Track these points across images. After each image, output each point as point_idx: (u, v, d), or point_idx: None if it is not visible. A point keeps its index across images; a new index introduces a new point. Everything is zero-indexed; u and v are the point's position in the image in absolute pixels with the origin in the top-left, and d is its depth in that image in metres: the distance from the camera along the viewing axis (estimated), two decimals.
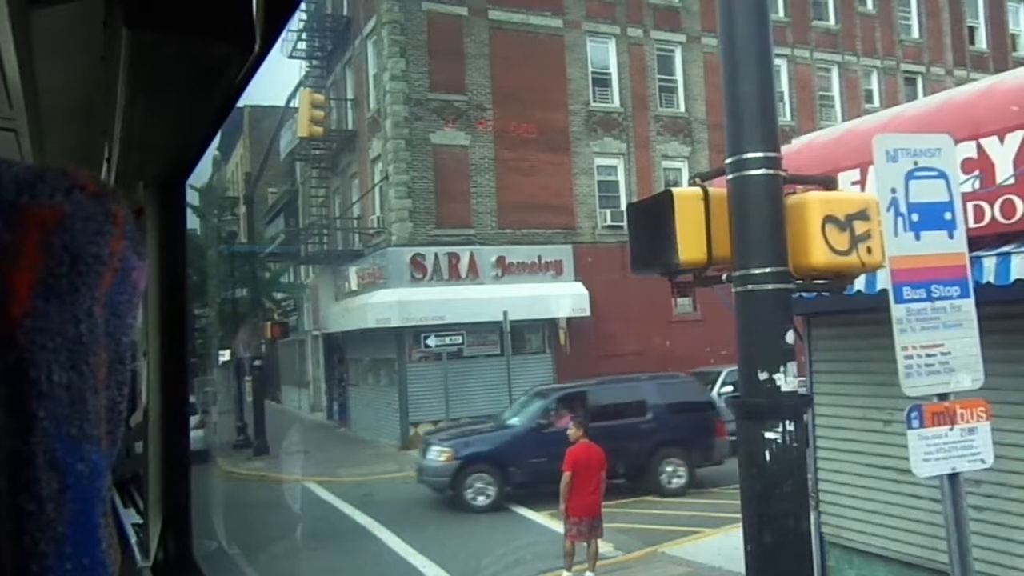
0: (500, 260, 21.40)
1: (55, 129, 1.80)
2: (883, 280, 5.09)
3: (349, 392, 26.32)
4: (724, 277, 4.32)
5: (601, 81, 23.63)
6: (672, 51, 24.67)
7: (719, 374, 18.65)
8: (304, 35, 26.27)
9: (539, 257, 21.85)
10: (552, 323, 21.59)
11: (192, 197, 26.60)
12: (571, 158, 22.83)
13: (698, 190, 4.33)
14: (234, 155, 45.08)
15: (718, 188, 4.41)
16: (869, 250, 4.22)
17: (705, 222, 4.26)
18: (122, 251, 0.60)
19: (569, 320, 21.52)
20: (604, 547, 10.74)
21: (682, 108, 24.73)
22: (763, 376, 3.97)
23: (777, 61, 26.73)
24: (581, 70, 23.25)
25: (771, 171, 4.10)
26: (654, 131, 24.16)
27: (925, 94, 28.37)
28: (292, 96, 23.70)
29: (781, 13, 26.42)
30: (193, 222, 29.56)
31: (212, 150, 48.47)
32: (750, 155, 4.10)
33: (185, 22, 0.90)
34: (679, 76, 24.75)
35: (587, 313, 21.61)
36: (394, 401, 21.11)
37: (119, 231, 0.59)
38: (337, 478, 17.32)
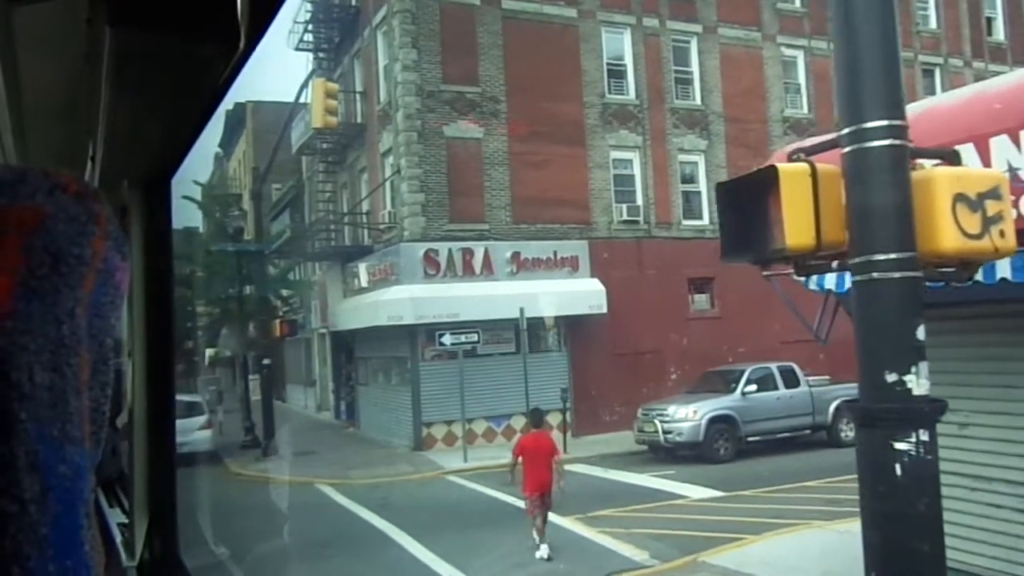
0: (515, 256, 20.84)
1: (39, 128, 1.80)
2: (1003, 268, 4.56)
3: (358, 391, 25.79)
4: (835, 265, 3.79)
5: (616, 72, 23.05)
6: (688, 42, 24.10)
7: (742, 372, 18.11)
8: (311, 26, 25.71)
9: (555, 253, 21.28)
10: (564, 320, 21.03)
11: (195, 194, 26.11)
12: (586, 151, 22.26)
13: (805, 166, 3.79)
14: (236, 151, 44.53)
15: (825, 164, 3.87)
16: (1002, 233, 3.70)
17: (813, 202, 3.72)
18: (105, 252, 0.60)
19: (585, 317, 20.97)
20: (639, 555, 10.35)
21: (698, 100, 24.15)
22: (891, 378, 3.43)
23: (794, 52, 26.21)
24: (596, 61, 22.66)
25: (897, 141, 3.56)
26: (670, 124, 23.59)
27: (943, 86, 27.85)
28: (302, 89, 23.09)
29: (798, 3, 25.89)
30: (197, 219, 29.05)
31: (214, 147, 47.98)
32: (872, 124, 3.57)
33: (169, 21, 0.88)
34: (695, 68, 24.19)
35: (603, 310, 21.05)
36: (407, 400, 20.57)
37: (101, 232, 0.59)
38: (350, 480, 16.84)
